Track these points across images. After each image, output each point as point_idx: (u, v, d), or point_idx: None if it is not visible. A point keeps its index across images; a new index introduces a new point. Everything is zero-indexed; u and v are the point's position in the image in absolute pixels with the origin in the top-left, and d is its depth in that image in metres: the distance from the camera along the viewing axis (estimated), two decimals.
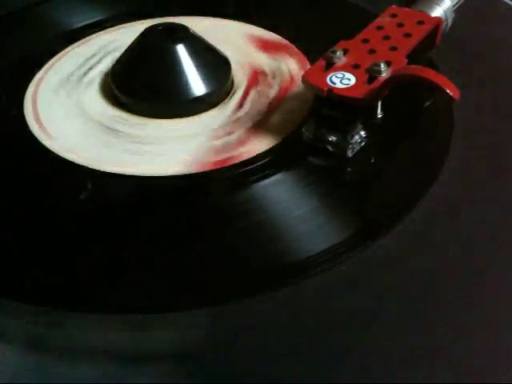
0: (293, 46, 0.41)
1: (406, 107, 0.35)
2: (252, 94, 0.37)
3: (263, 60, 0.40)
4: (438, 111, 0.35)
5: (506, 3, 0.44)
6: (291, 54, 0.40)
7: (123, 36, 0.41)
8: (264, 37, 0.42)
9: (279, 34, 0.41)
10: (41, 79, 0.38)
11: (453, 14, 0.37)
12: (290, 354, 0.25)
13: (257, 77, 0.38)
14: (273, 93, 0.37)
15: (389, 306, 0.26)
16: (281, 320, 0.26)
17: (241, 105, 0.36)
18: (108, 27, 0.43)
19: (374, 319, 0.26)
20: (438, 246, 0.29)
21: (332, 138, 0.32)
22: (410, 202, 0.30)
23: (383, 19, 0.36)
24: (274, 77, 0.38)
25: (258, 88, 0.37)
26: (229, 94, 0.37)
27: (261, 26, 0.42)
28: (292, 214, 0.30)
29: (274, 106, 0.36)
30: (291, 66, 0.39)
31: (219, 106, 0.36)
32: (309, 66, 0.37)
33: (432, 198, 0.30)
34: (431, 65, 0.37)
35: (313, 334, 0.25)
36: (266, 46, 0.41)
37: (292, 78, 0.38)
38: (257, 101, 0.36)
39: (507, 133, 0.34)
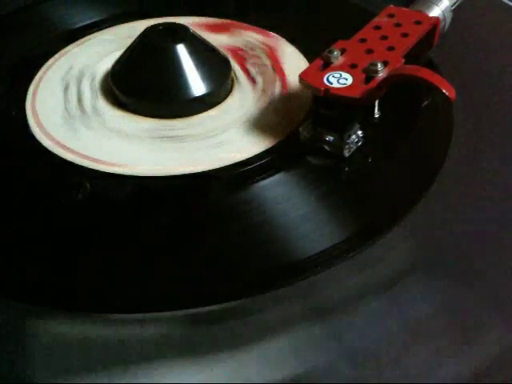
0: (237, 22, 0.42)
1: (404, 107, 0.35)
2: (251, 68, 0.37)
3: (226, 39, 0.40)
4: (437, 110, 0.35)
5: (506, 3, 0.44)
6: (243, 28, 0.41)
7: (122, 36, 0.41)
8: (209, 22, 0.43)
9: (279, 34, 0.42)
10: (41, 79, 0.38)
11: (451, 14, 0.38)
12: (289, 354, 0.25)
13: (237, 53, 0.38)
14: (267, 62, 0.37)
15: (389, 306, 0.26)
16: (281, 320, 0.26)
17: (254, 82, 0.37)
18: (108, 27, 0.43)
19: (374, 319, 0.26)
20: (437, 246, 0.29)
21: (329, 138, 0.32)
22: (409, 201, 0.30)
23: (381, 19, 0.36)
24: (252, 49, 0.39)
25: (251, 62, 0.37)
26: (229, 93, 0.37)
27: (257, 26, 0.43)
28: (291, 214, 0.30)
29: (273, 105, 0.36)
30: (256, 37, 0.40)
31: (219, 105, 0.36)
32: (272, 39, 0.39)
33: (432, 197, 0.30)
34: (431, 64, 0.38)
35: (313, 334, 0.25)
36: (215, 29, 0.42)
37: (269, 47, 0.39)
38: (264, 77, 0.37)
39: (507, 132, 0.34)
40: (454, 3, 0.38)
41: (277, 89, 0.37)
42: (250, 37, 0.41)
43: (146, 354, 0.25)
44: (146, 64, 0.36)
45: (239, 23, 0.43)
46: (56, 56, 0.40)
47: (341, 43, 0.33)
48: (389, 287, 0.27)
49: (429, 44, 0.37)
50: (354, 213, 0.30)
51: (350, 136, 0.32)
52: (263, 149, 0.33)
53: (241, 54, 0.40)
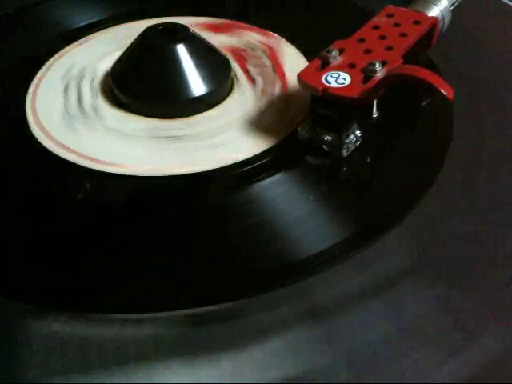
0: (240, 23, 0.42)
1: (403, 106, 0.35)
2: (251, 69, 0.38)
3: (227, 39, 0.40)
4: (436, 110, 0.35)
5: (506, 3, 0.44)
6: (244, 29, 0.42)
7: (122, 36, 0.41)
8: (210, 22, 0.43)
9: (279, 34, 0.42)
10: (41, 79, 0.38)
11: (450, 14, 0.37)
12: (289, 354, 0.25)
13: (239, 53, 0.38)
14: (267, 63, 0.38)
15: (389, 306, 0.26)
16: (280, 320, 0.26)
17: (253, 82, 0.37)
18: (108, 27, 0.43)
19: (373, 320, 0.26)
20: (437, 247, 0.29)
21: (327, 138, 0.32)
22: (409, 201, 0.30)
23: (380, 19, 0.36)
24: (252, 49, 0.39)
25: (251, 62, 0.38)
26: (229, 93, 0.37)
27: (257, 26, 0.43)
28: (291, 214, 0.30)
29: (273, 105, 0.36)
30: (257, 38, 0.40)
31: (219, 105, 0.36)
32: (272, 39, 0.40)
33: (432, 197, 0.30)
34: (430, 64, 0.38)
35: (313, 334, 0.25)
36: (217, 29, 0.42)
37: (269, 47, 0.39)
38: (264, 77, 0.38)
39: (507, 132, 0.34)
40: (453, 3, 0.38)
41: (277, 89, 0.37)
42: (250, 37, 0.41)
43: (144, 355, 0.25)
44: (145, 64, 0.36)
45: (239, 23, 0.43)
46: (56, 56, 0.40)
47: (339, 43, 0.33)
48: (388, 288, 0.27)
49: (427, 44, 0.37)
50: (353, 213, 0.30)
51: (348, 136, 0.32)
52: (263, 149, 0.33)
53: (241, 55, 0.40)
